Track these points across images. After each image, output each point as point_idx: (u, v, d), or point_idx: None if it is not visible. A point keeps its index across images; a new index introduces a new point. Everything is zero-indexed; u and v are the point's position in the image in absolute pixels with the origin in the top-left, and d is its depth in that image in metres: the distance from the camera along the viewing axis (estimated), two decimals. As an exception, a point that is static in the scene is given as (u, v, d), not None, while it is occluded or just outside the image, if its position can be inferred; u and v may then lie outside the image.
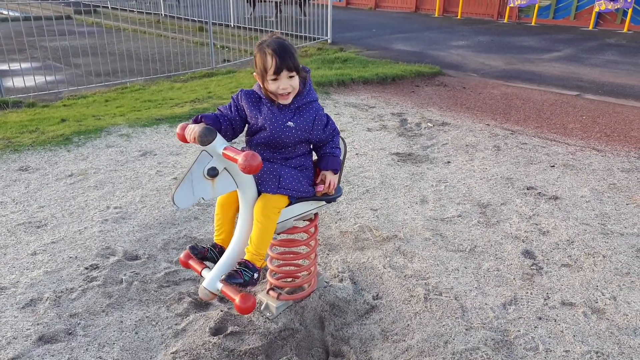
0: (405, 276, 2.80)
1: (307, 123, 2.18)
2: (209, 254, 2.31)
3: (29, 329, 2.32)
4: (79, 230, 3.18)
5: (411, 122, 5.55)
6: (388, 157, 4.53)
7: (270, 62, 2.04)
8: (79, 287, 2.63)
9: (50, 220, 3.29)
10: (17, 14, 11.77)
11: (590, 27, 14.45)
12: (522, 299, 2.64)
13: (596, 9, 14.20)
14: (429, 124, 5.51)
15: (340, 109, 5.97)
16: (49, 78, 7.69)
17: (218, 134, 1.98)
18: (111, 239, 3.09)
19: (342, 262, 2.92)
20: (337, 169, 2.30)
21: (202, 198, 2.04)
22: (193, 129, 1.97)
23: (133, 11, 13.70)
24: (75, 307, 2.48)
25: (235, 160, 1.89)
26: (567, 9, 15.38)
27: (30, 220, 3.29)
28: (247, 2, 14.44)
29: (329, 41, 10.91)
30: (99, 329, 2.35)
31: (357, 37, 12.03)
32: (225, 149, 1.95)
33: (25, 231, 3.16)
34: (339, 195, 2.44)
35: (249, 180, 2.13)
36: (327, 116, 2.28)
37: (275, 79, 2.07)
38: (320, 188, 2.31)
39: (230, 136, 2.20)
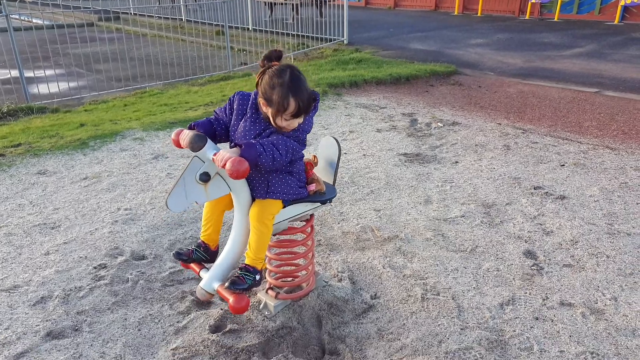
0: (404, 276, 2.83)
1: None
2: (195, 255, 2.39)
3: (38, 325, 2.45)
4: (90, 231, 3.31)
5: (421, 122, 5.55)
6: (395, 158, 4.54)
7: (293, 107, 1.99)
8: (87, 285, 2.74)
9: (64, 222, 3.43)
10: (43, 22, 12.16)
11: (616, 22, 14.11)
12: (520, 299, 2.64)
13: (622, 3, 13.88)
14: (439, 124, 5.50)
15: (351, 110, 6.00)
16: (72, 84, 7.96)
17: (209, 140, 2.04)
18: (120, 240, 3.21)
19: (342, 262, 2.97)
20: (247, 154, 1.97)
21: (196, 202, 2.11)
22: (186, 135, 2.05)
23: (154, 17, 14.01)
24: (83, 304, 2.59)
25: (223, 166, 1.95)
26: (592, 4, 15.03)
27: (45, 221, 3.44)
28: (265, 4, 14.59)
29: (345, 42, 10.94)
30: (103, 325, 2.45)
31: (374, 37, 12.02)
32: (215, 154, 2.00)
33: (40, 232, 3.31)
34: (334, 196, 2.49)
35: (241, 185, 2.19)
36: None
37: (287, 120, 2.05)
38: (312, 187, 2.36)
39: (225, 139, 2.26)
